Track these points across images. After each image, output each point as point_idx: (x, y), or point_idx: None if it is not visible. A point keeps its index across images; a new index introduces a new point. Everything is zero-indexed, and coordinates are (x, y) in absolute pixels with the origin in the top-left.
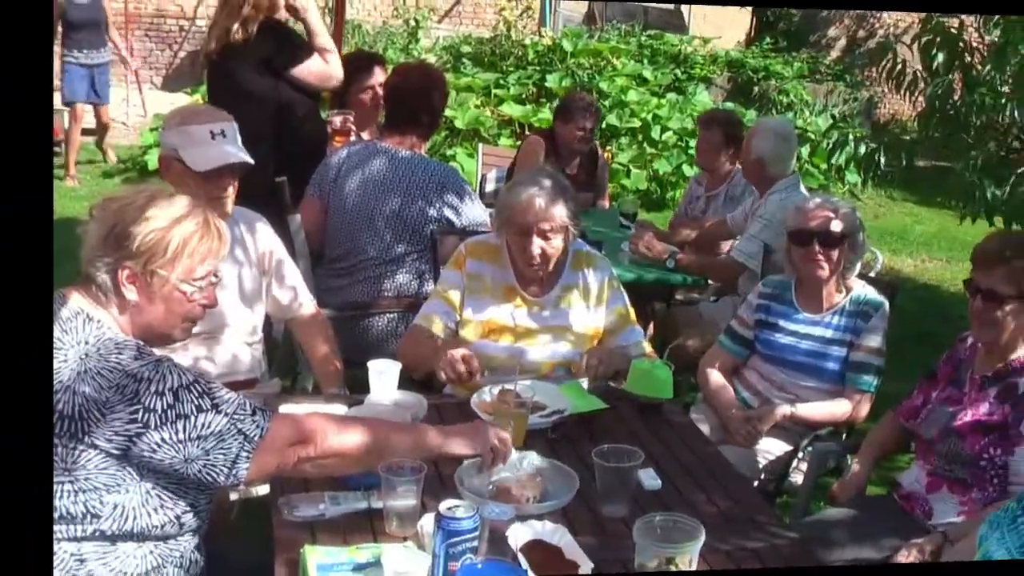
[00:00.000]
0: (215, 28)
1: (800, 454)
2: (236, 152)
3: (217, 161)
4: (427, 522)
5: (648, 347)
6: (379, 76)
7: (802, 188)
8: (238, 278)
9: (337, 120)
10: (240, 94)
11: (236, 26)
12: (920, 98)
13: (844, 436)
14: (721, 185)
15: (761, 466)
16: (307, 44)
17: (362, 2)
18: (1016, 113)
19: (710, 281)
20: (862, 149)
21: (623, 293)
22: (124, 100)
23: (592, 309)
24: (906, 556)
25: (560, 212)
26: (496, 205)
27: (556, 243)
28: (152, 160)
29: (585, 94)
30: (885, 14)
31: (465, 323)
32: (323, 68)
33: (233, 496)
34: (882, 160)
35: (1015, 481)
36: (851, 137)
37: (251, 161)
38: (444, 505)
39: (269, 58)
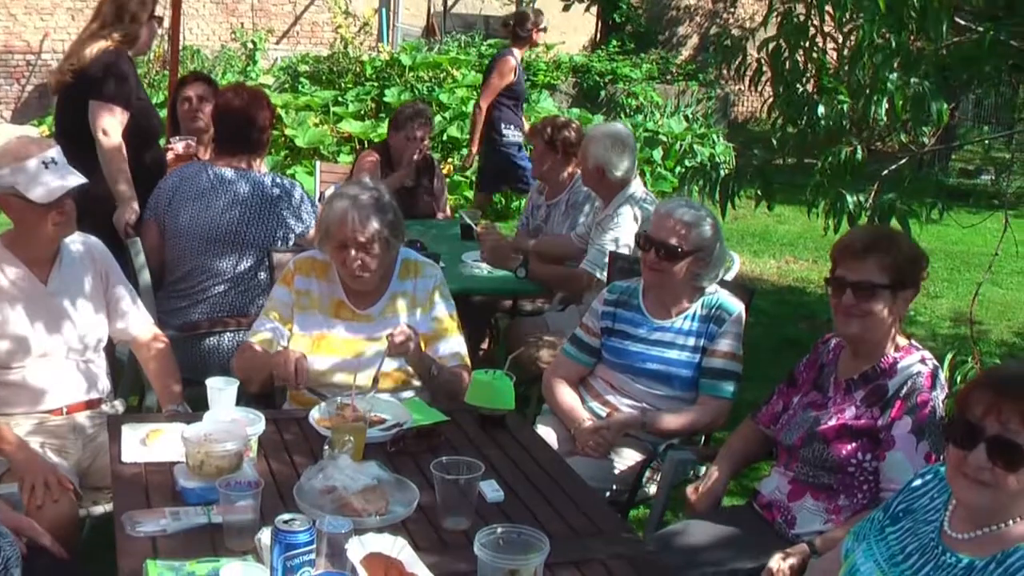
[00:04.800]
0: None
1: (654, 463)
2: (72, 177)
3: (59, 191)
4: (265, 536)
5: (465, 356)
6: (197, 88)
7: (643, 191)
8: (76, 297)
9: (180, 145)
10: (86, 121)
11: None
12: (770, 92)
13: (701, 444)
14: (561, 193)
15: (613, 477)
16: None
17: (200, 28)
18: (878, 110)
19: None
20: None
21: (449, 301)
22: None
23: (418, 317)
24: (773, 568)
25: (375, 224)
26: (317, 221)
27: (375, 254)
28: None
29: (417, 103)
30: (740, 9)
31: (295, 339)
32: None
33: (82, 512)
34: (738, 188)
35: (887, 487)
36: (699, 161)
37: (86, 181)
38: (280, 518)
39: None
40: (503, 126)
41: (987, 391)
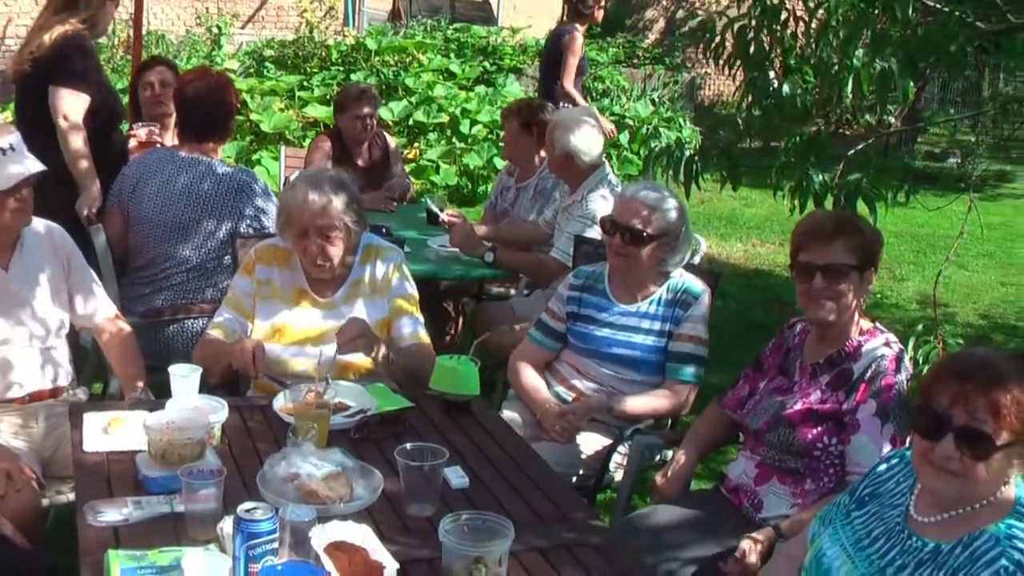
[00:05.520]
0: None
1: (621, 448)
2: (31, 163)
3: (17, 177)
4: (227, 524)
5: (424, 336)
6: (159, 73)
7: (612, 176)
8: (37, 284)
9: (142, 132)
10: (47, 108)
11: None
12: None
13: (668, 428)
14: (531, 178)
15: (579, 462)
16: None
17: (165, 12)
18: (843, 88)
19: (521, 275)
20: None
21: (408, 281)
22: None
23: (378, 301)
24: (746, 548)
25: (337, 210)
26: (277, 208)
27: (337, 241)
28: None
29: (359, 82)
30: None
31: (257, 330)
32: None
33: (45, 502)
34: (700, 167)
35: (853, 471)
36: (664, 143)
37: (44, 168)
38: (242, 507)
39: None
40: (562, 104)
41: (952, 380)
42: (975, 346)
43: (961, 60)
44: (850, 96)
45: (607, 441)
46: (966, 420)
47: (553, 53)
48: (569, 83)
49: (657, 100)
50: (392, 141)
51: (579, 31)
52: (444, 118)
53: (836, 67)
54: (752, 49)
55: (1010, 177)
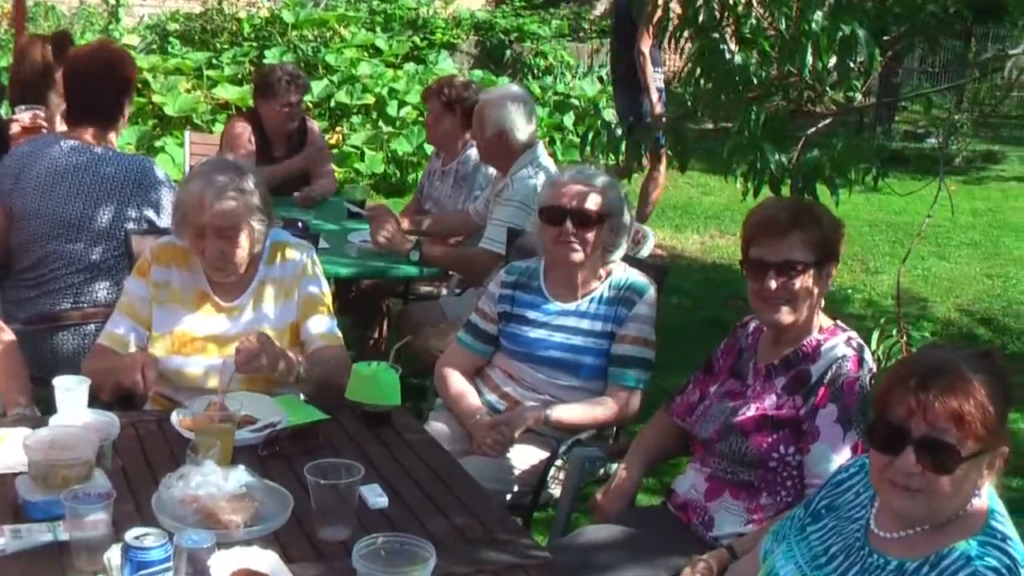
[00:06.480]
0: None
1: (559, 461)
2: None
3: None
4: (114, 554)
5: (338, 335)
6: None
7: (544, 158)
8: None
9: (26, 116)
10: None
11: None
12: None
13: (612, 439)
14: (453, 162)
15: (513, 477)
16: None
17: None
18: (805, 59)
19: (451, 272)
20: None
21: (319, 279)
22: None
23: (288, 302)
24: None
25: (239, 208)
26: (172, 204)
27: (240, 242)
28: None
29: (285, 63)
30: None
31: (155, 339)
32: None
33: None
34: (645, 140)
35: (812, 483)
36: (600, 124)
37: None
38: (131, 534)
39: None
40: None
41: (908, 387)
42: (933, 345)
43: (937, 28)
44: (809, 66)
45: (544, 454)
46: (926, 431)
47: (626, 12)
48: (646, 46)
49: (605, 77)
50: (316, 128)
51: None
52: (369, 99)
53: (793, 30)
54: (701, 18)
55: (998, 158)
